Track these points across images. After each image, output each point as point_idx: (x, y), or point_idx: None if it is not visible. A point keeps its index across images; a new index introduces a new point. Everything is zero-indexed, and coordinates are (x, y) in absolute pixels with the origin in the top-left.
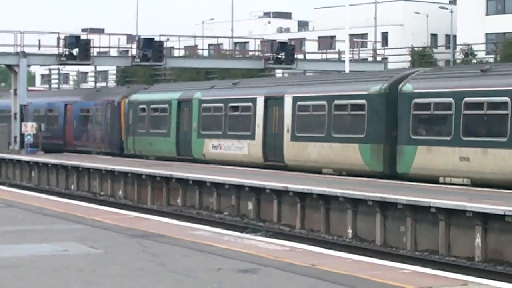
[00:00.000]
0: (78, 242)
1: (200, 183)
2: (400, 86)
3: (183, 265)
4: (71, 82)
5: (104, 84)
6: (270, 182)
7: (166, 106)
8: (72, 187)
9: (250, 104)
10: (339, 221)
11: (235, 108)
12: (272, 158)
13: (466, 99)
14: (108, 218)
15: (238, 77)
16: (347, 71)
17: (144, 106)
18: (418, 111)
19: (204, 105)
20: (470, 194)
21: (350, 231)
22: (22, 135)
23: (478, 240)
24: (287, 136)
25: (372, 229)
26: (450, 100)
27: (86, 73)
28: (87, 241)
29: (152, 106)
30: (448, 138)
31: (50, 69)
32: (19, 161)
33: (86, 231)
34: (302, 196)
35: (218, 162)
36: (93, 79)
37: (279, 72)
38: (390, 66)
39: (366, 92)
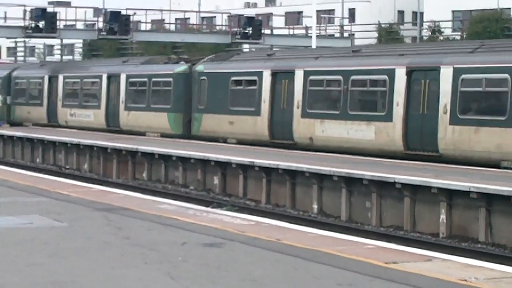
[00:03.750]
0: (43, 215)
1: (165, 157)
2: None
3: (148, 239)
4: (36, 55)
5: (70, 57)
6: (236, 157)
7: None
8: (38, 160)
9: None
10: (304, 196)
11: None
12: None
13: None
14: (73, 191)
15: (205, 51)
16: (313, 46)
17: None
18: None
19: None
20: (436, 171)
21: (315, 206)
22: None
23: (443, 216)
24: None
25: (337, 205)
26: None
27: (52, 46)
28: (52, 214)
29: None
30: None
31: (16, 42)
32: None
33: (51, 204)
34: (268, 170)
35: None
36: (59, 52)
37: (246, 47)
38: (357, 42)
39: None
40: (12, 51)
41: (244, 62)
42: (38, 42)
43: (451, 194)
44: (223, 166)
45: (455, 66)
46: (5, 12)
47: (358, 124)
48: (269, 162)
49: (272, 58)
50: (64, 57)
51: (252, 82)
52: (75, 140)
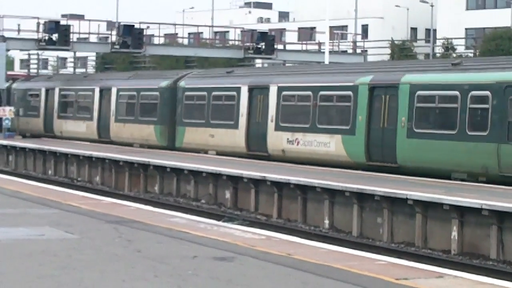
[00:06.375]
0: (54, 226)
1: (177, 171)
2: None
3: (158, 252)
4: (50, 68)
5: (83, 70)
6: (248, 171)
7: None
8: (50, 172)
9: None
10: (316, 211)
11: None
12: None
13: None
14: (84, 203)
15: (218, 66)
16: (326, 62)
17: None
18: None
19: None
20: (447, 187)
21: (327, 221)
22: (0, 119)
23: (454, 233)
24: None
25: (349, 220)
26: None
27: (65, 58)
28: (63, 226)
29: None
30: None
31: (29, 54)
32: None
33: (62, 215)
34: (280, 185)
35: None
36: (72, 64)
37: (258, 62)
38: (370, 58)
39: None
40: (25, 63)
41: (35, 82)
42: (51, 55)
43: (462, 211)
44: (235, 180)
45: (118, 87)
46: (19, 25)
47: (78, 122)
48: (280, 177)
49: (50, 80)
50: (77, 70)
51: (36, 95)
52: (87, 152)
